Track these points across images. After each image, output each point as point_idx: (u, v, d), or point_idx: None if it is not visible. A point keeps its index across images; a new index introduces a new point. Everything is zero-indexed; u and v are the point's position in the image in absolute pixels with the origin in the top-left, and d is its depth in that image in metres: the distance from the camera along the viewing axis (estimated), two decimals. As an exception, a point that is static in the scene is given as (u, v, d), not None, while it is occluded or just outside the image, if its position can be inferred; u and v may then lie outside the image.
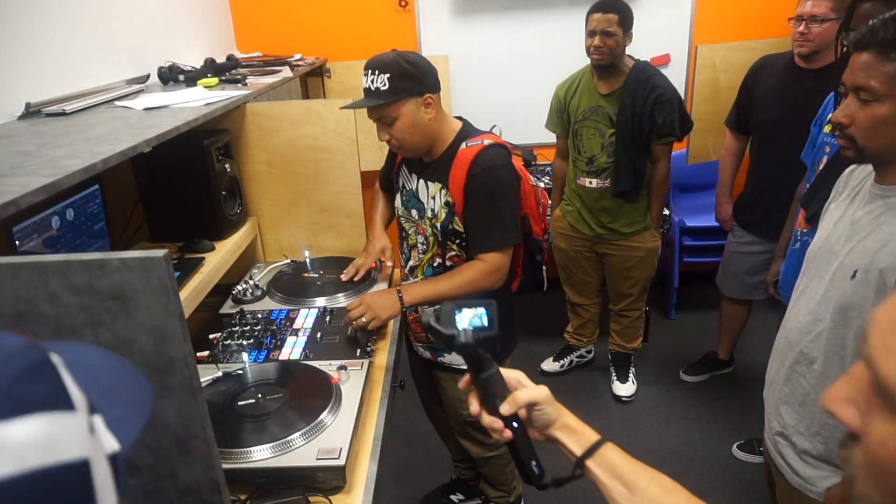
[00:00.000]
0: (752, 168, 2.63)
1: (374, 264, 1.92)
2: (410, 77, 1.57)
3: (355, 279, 1.87)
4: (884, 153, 1.16)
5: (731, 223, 2.73)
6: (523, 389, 0.88)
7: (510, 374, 0.90)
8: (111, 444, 0.41)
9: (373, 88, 1.58)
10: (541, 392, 0.88)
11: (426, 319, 0.90)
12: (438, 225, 1.72)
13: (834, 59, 1.84)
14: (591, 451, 0.85)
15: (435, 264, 1.78)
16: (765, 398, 1.47)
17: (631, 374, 3.02)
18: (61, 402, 0.37)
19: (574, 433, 0.87)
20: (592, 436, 0.87)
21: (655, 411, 2.88)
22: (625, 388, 2.97)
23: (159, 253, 0.73)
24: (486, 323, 0.89)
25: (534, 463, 0.89)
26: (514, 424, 0.87)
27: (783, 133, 2.38)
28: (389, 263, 1.89)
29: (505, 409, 0.86)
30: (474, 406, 0.91)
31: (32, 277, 0.75)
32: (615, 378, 3.02)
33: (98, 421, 0.40)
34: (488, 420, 0.88)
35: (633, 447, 2.63)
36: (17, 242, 1.21)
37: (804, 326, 1.30)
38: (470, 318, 0.88)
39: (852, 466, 0.43)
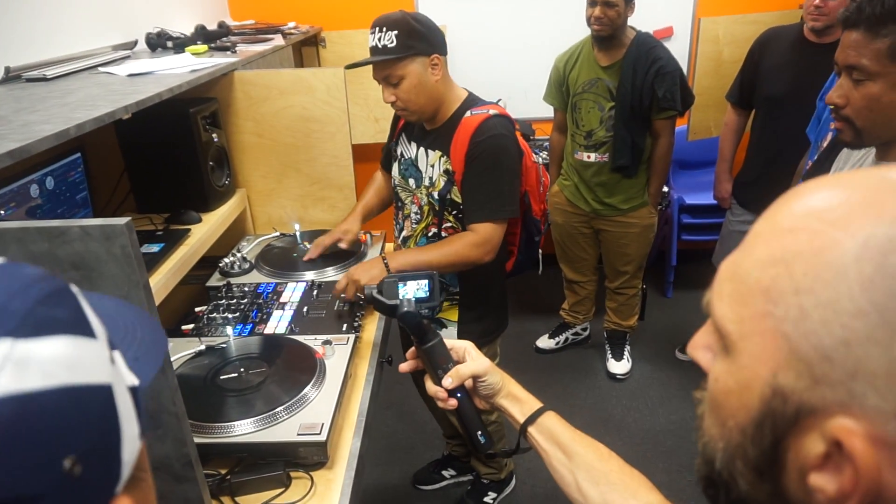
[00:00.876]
0: (753, 144, 2.57)
1: (362, 238, 1.88)
2: (419, 35, 1.54)
3: (313, 257, 1.81)
4: (881, 134, 1.12)
5: (731, 201, 2.68)
6: (466, 363, 0.91)
7: (457, 344, 0.92)
8: (131, 378, 0.41)
9: (380, 46, 1.54)
10: (482, 365, 0.90)
11: (369, 292, 0.92)
12: (436, 193, 1.68)
13: None
14: (532, 418, 0.87)
15: (430, 234, 1.74)
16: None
17: (626, 352, 3.01)
18: (82, 327, 0.37)
19: (518, 402, 0.90)
20: (535, 404, 0.89)
21: (650, 389, 2.87)
22: (620, 366, 2.96)
23: (121, 221, 0.69)
24: (428, 294, 0.92)
25: (479, 433, 0.91)
26: (458, 395, 0.90)
27: (789, 109, 2.31)
28: (344, 246, 1.81)
29: (447, 382, 0.89)
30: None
31: (-11, 245, 0.72)
32: (610, 356, 3.00)
33: (118, 355, 0.41)
34: (433, 389, 0.91)
35: (627, 425, 2.63)
36: (-3, 210, 1.19)
37: None
38: (414, 290, 0.91)
39: (701, 406, 0.46)
